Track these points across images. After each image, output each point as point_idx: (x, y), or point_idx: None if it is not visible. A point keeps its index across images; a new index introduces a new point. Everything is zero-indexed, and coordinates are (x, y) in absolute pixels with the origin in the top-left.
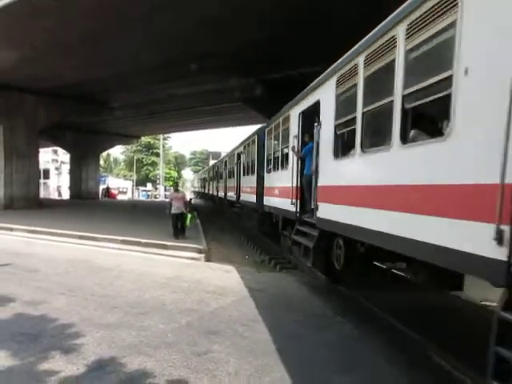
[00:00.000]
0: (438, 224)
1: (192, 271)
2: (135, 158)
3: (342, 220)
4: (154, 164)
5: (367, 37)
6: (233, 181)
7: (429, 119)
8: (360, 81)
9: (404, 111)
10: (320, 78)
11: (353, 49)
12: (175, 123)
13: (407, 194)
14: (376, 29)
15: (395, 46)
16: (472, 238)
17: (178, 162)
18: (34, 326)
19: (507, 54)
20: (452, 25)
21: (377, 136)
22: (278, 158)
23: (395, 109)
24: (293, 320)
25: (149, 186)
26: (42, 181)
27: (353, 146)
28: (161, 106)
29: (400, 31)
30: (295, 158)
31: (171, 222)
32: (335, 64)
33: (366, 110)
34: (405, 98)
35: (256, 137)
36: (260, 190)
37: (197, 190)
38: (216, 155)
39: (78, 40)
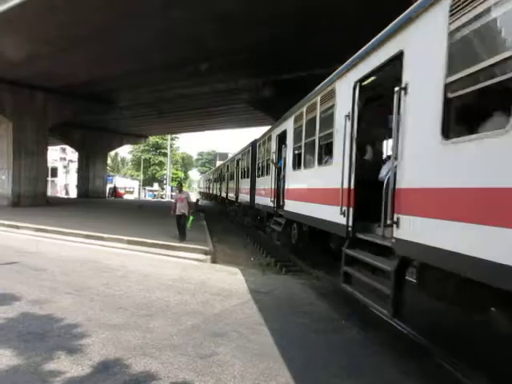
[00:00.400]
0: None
1: (197, 273)
2: (142, 157)
3: (295, 211)
4: (161, 164)
5: (308, 95)
6: (233, 183)
7: (328, 152)
8: (303, 123)
9: (320, 146)
10: (286, 114)
11: (301, 101)
12: (183, 123)
13: (318, 192)
14: (311, 93)
15: (315, 108)
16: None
17: (185, 163)
18: (40, 326)
19: None
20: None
21: (309, 159)
22: (264, 166)
23: (316, 144)
24: (298, 323)
25: (155, 185)
26: (49, 179)
27: (301, 164)
28: (169, 106)
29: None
30: (274, 167)
31: (176, 224)
32: (293, 108)
33: (306, 141)
34: (320, 138)
35: (251, 148)
36: (252, 192)
37: (202, 190)
38: (223, 156)
39: (90, 36)
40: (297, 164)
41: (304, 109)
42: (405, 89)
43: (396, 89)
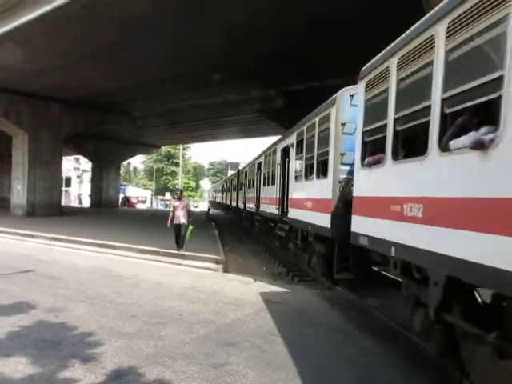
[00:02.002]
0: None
1: (209, 282)
2: (155, 167)
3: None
4: (173, 174)
5: (297, 130)
6: (241, 193)
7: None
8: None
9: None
10: (286, 132)
11: (278, 139)
12: (195, 133)
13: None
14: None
15: (303, 139)
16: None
17: (197, 172)
18: (55, 334)
19: None
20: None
21: (307, 173)
22: (270, 176)
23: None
24: (311, 333)
25: (167, 195)
26: (63, 189)
27: (299, 176)
28: (182, 116)
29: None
30: (279, 178)
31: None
32: (294, 126)
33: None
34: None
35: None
36: (258, 200)
37: (211, 199)
38: (234, 166)
39: (104, 48)
40: (298, 177)
41: (304, 127)
42: (289, 160)
43: (287, 159)
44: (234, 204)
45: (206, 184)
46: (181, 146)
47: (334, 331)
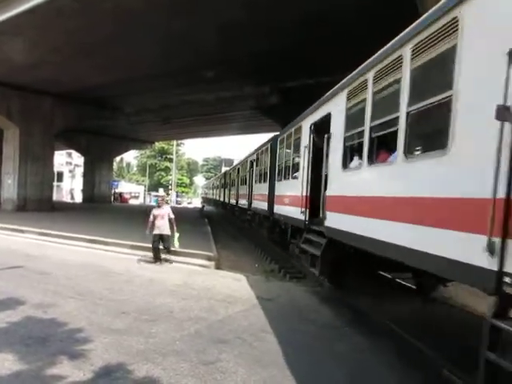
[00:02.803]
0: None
1: (201, 278)
2: (148, 163)
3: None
4: (166, 169)
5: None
6: (233, 189)
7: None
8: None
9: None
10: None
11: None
12: (189, 129)
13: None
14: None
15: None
16: None
17: (191, 169)
18: (43, 330)
19: None
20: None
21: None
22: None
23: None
24: (302, 330)
25: (160, 191)
26: (55, 183)
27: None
28: (175, 112)
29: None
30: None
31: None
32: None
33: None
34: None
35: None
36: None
37: (207, 196)
38: (229, 162)
39: (97, 43)
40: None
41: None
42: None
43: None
44: (231, 201)
45: (199, 180)
46: (174, 142)
47: (325, 328)
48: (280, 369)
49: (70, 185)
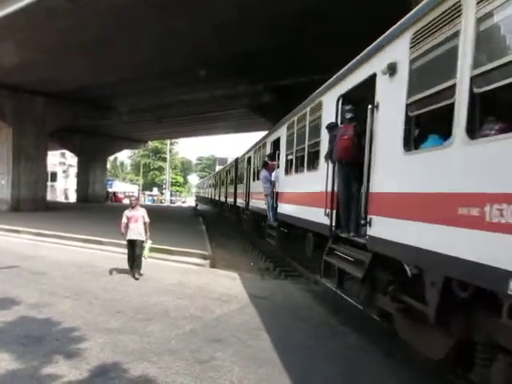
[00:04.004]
0: None
1: (196, 277)
2: (142, 162)
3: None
4: (160, 169)
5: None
6: (223, 188)
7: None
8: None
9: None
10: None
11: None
12: (183, 128)
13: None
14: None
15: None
16: None
17: (185, 168)
18: (39, 329)
19: None
20: None
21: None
22: (244, 175)
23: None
24: (297, 328)
25: (155, 190)
26: (49, 183)
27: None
28: (169, 112)
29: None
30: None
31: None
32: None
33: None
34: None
35: (235, 163)
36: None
37: (201, 195)
38: (222, 161)
39: (90, 42)
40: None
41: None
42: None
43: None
44: (229, 201)
45: (193, 179)
46: (168, 141)
47: (319, 326)
48: (275, 367)
49: (64, 185)
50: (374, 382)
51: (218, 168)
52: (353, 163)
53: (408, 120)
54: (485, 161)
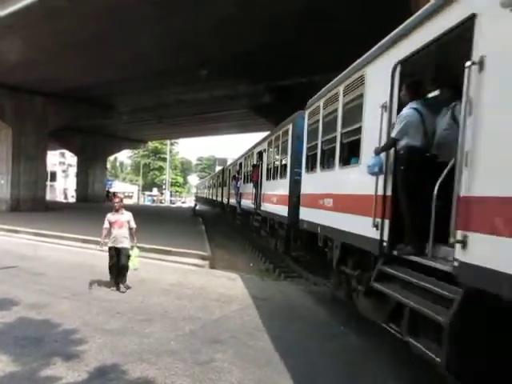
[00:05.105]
0: None
1: (196, 278)
2: (142, 162)
3: None
4: (160, 169)
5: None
6: (219, 189)
7: None
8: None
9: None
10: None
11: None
12: (183, 129)
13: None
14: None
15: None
16: None
17: (185, 168)
18: (37, 331)
19: None
20: None
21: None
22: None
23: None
24: (297, 329)
25: (154, 190)
26: (48, 183)
27: None
28: (169, 112)
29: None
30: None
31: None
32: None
33: None
34: None
35: (224, 169)
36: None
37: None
38: (222, 162)
39: (89, 42)
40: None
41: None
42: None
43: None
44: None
45: (193, 180)
46: (168, 142)
47: (319, 326)
48: (275, 368)
49: (64, 184)
50: (375, 382)
51: (217, 168)
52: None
53: None
54: None
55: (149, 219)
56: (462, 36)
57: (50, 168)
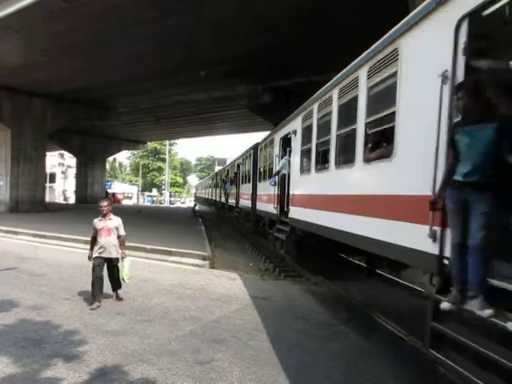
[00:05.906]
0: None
1: (196, 278)
2: (141, 163)
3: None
4: (159, 170)
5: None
6: (217, 189)
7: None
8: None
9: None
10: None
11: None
12: (182, 129)
13: None
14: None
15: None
16: None
17: (184, 168)
18: (38, 332)
19: None
20: None
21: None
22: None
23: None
24: (297, 329)
25: (154, 191)
26: (47, 185)
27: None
28: (167, 112)
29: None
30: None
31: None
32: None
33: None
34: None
35: (216, 173)
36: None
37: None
38: (221, 162)
39: (87, 43)
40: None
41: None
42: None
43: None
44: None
45: (193, 180)
46: (167, 142)
47: (320, 326)
48: (275, 367)
49: (63, 186)
50: (375, 382)
51: (216, 168)
52: None
53: None
54: None
55: (149, 219)
56: None
57: (49, 169)
